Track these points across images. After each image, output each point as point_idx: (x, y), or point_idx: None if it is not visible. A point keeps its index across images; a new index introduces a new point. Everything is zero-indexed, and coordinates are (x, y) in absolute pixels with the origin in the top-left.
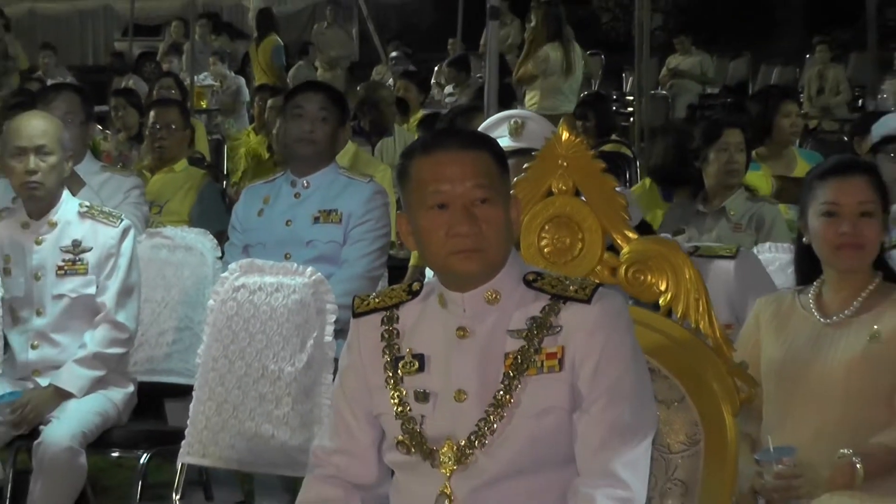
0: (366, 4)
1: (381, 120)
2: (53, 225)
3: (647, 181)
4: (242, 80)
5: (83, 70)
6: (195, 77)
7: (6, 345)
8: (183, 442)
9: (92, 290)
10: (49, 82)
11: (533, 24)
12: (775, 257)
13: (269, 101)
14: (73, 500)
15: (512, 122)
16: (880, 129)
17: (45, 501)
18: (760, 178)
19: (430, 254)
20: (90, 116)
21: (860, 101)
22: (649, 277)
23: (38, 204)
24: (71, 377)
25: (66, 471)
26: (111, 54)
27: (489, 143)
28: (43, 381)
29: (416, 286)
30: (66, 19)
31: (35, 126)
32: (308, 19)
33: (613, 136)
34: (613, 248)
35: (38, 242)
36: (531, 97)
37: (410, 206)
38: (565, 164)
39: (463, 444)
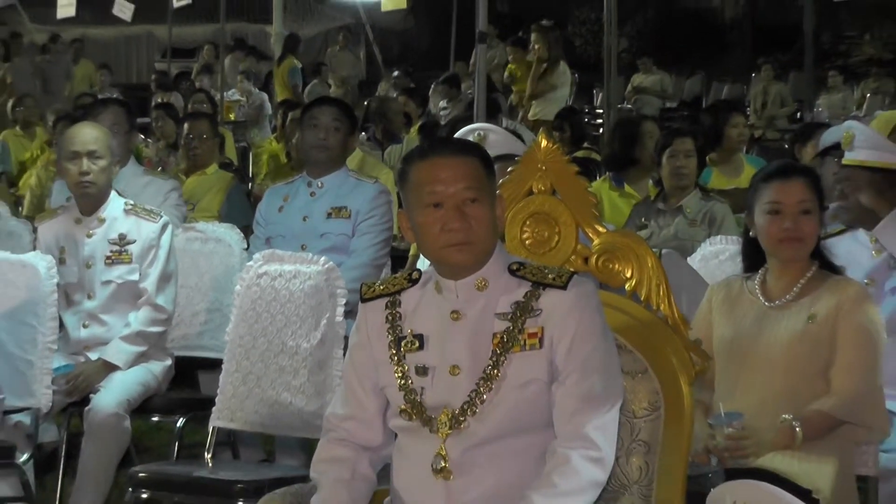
0: (371, 31)
1: (391, 129)
2: (102, 220)
3: (606, 176)
4: (265, 96)
5: (129, 87)
6: (225, 93)
7: (61, 324)
8: (213, 408)
9: (135, 276)
10: (99, 97)
11: (538, 46)
12: (725, 248)
13: (290, 114)
14: (118, 459)
15: (476, 135)
16: (830, 136)
17: (94, 460)
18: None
19: (426, 246)
20: (133, 127)
21: (799, 114)
22: (617, 266)
23: (89, 202)
24: (117, 352)
25: (113, 433)
26: (153, 74)
27: (478, 150)
28: (92, 356)
29: (415, 275)
30: (114, 44)
31: (87, 134)
32: (322, 43)
33: (585, 145)
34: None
35: (89, 235)
36: (536, 107)
37: (409, 205)
38: (544, 167)
39: (457, 411)
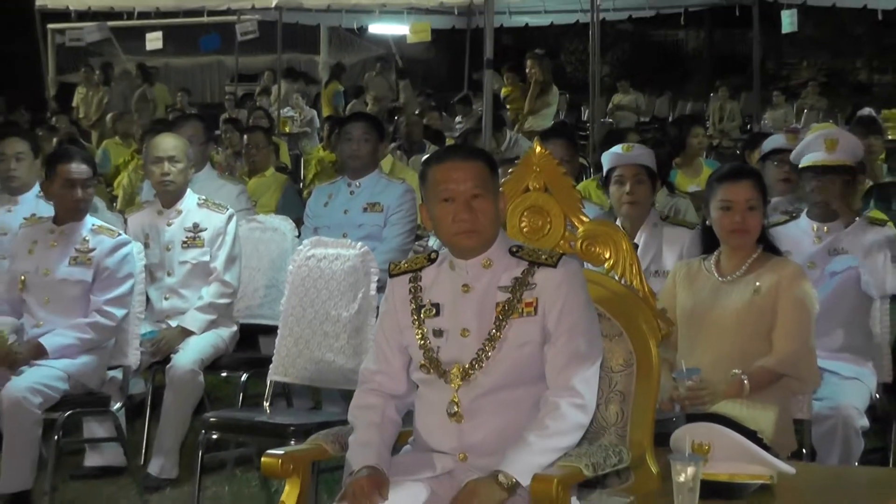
0: (400, 59)
1: (415, 140)
2: (179, 212)
3: (594, 176)
4: (315, 113)
5: (204, 106)
6: (281, 110)
7: (147, 298)
8: (271, 365)
9: (206, 258)
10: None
11: (534, 70)
12: (677, 241)
13: (335, 129)
14: (193, 408)
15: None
16: (769, 144)
17: (174, 409)
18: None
19: (441, 233)
20: (210, 139)
21: (749, 126)
22: (597, 249)
23: (168, 197)
24: (192, 320)
25: (190, 386)
26: (224, 95)
27: (484, 156)
28: (172, 323)
29: (433, 255)
30: (192, 71)
31: (168, 142)
32: (360, 70)
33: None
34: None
35: (169, 224)
36: (531, 121)
37: (428, 200)
38: (538, 169)
39: (467, 366)
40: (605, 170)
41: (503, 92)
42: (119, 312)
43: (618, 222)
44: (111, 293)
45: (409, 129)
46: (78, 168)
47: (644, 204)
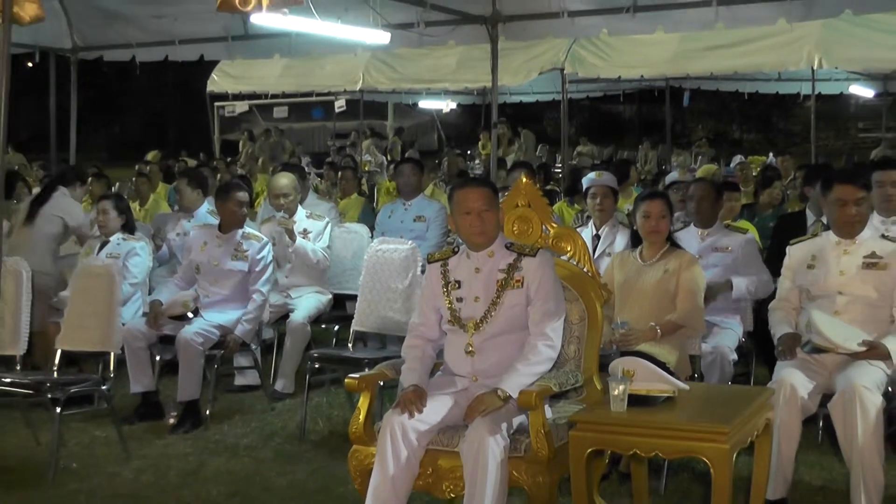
0: (439, 123)
1: (452, 175)
2: (295, 222)
3: (564, 199)
4: (384, 158)
5: (313, 154)
6: (363, 157)
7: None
8: (353, 320)
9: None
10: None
11: (504, 130)
12: (625, 235)
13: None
14: (304, 347)
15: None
16: (669, 178)
17: (291, 348)
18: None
19: (462, 235)
20: (304, 178)
21: (663, 167)
22: (563, 244)
23: (288, 212)
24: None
25: (301, 334)
26: (326, 146)
27: (489, 184)
28: (292, 293)
29: (456, 249)
30: (306, 131)
31: (281, 183)
32: (415, 130)
33: (551, 183)
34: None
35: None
36: (509, 158)
37: (454, 212)
38: (524, 193)
39: (478, 321)
40: (583, 188)
41: (480, 143)
42: (266, 290)
43: (591, 221)
44: (261, 279)
45: (449, 168)
46: (243, 195)
47: (609, 210)
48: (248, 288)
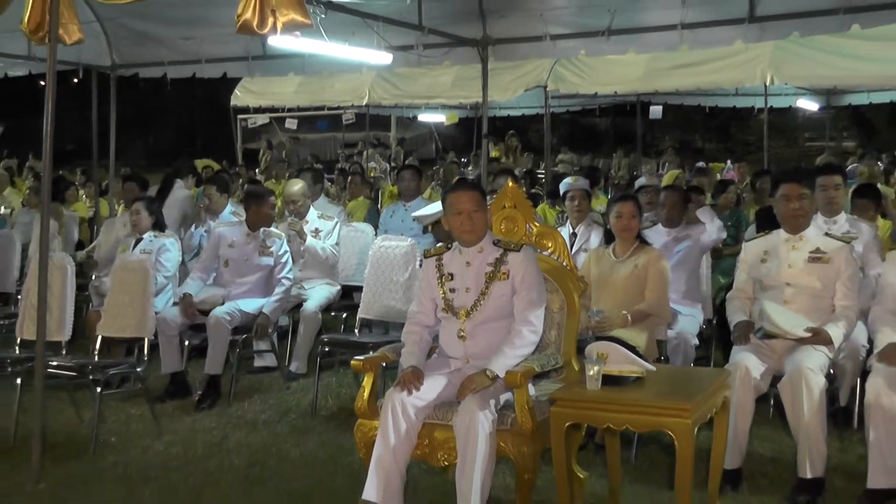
0: (437, 134)
1: (448, 181)
2: (307, 222)
3: (546, 202)
4: (387, 165)
5: (324, 161)
6: (368, 164)
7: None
8: (359, 308)
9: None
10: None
11: (511, 141)
12: (599, 233)
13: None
14: (315, 333)
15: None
16: (639, 182)
17: (304, 335)
18: None
19: (454, 232)
20: (317, 182)
21: (634, 173)
22: (544, 241)
23: (299, 216)
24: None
25: (313, 322)
26: (336, 155)
27: (478, 187)
28: (305, 285)
29: (450, 245)
30: (318, 141)
31: (293, 190)
32: (415, 141)
33: (536, 187)
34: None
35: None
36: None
37: (447, 212)
38: (510, 195)
39: (469, 309)
40: (561, 192)
41: (494, 153)
42: (291, 276)
43: (569, 220)
44: (285, 270)
45: (445, 175)
46: (274, 200)
47: (585, 211)
48: (270, 280)
